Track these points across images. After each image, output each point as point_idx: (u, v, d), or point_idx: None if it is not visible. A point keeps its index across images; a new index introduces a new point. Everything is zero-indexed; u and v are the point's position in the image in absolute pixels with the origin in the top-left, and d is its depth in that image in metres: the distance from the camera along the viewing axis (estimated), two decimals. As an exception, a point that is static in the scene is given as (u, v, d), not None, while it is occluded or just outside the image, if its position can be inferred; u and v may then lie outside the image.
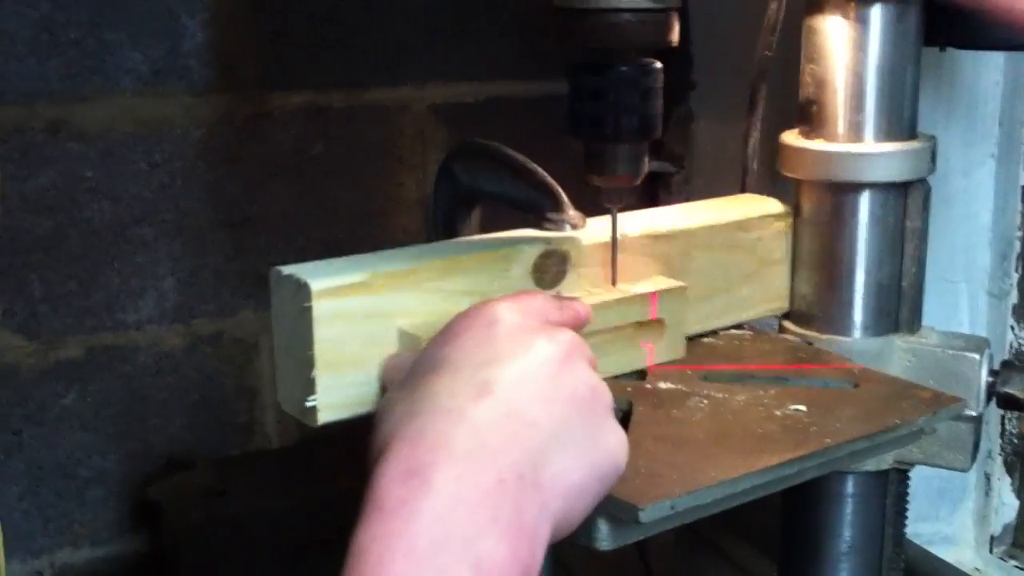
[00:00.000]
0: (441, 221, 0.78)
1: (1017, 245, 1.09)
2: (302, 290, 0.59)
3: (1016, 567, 1.11)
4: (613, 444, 0.53)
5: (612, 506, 0.54)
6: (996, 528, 1.13)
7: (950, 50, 0.86)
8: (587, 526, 0.55)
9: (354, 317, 0.60)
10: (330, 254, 0.64)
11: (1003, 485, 1.13)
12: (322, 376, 0.59)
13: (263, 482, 1.35)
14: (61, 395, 1.29)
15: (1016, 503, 1.13)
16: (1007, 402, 0.77)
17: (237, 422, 1.40)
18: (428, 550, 0.45)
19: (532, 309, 0.58)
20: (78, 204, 1.24)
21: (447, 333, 0.55)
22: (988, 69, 1.04)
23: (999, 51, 0.99)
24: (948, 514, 1.12)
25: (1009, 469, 1.12)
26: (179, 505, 1.28)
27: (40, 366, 1.27)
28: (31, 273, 1.24)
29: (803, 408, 0.66)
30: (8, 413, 1.26)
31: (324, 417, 0.59)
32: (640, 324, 0.71)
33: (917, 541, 1.08)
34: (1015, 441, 1.11)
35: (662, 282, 0.73)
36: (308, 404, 0.59)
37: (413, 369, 0.54)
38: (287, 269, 0.61)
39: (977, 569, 1.11)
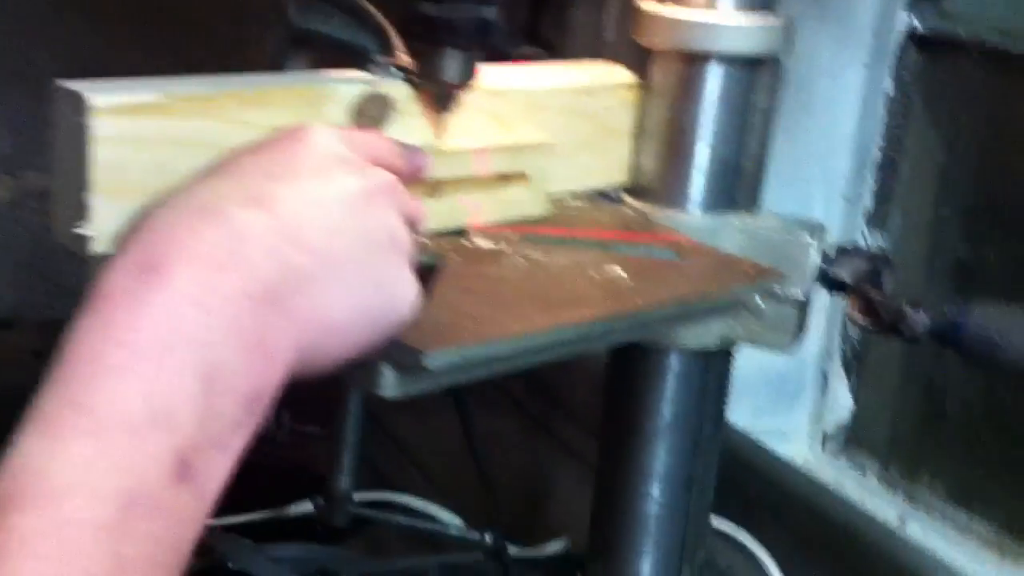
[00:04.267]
0: (269, 63, 0.74)
1: (877, 154, 1.10)
2: (81, 106, 0.54)
3: (846, 464, 1.13)
4: (400, 293, 0.50)
5: (397, 351, 0.51)
6: (829, 426, 1.15)
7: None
8: (370, 371, 0.52)
9: (142, 141, 0.55)
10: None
11: (840, 384, 1.15)
12: (99, 202, 0.54)
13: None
14: None
15: (851, 403, 1.15)
16: (834, 285, 0.76)
17: (64, 284, 1.34)
18: (153, 347, 0.41)
19: (359, 143, 0.54)
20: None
21: (248, 146, 0.51)
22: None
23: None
24: (784, 410, 1.14)
25: (847, 369, 1.14)
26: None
27: None
28: None
29: (623, 274, 0.64)
30: None
31: (98, 247, 0.55)
32: (503, 177, 0.68)
33: (752, 435, 1.10)
34: (854, 342, 1.13)
35: (528, 135, 0.69)
36: (81, 231, 0.55)
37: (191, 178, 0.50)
38: (70, 83, 0.56)
39: (808, 465, 1.13)
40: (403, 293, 0.50)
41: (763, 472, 1.08)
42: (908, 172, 1.08)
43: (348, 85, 0.64)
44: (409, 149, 0.59)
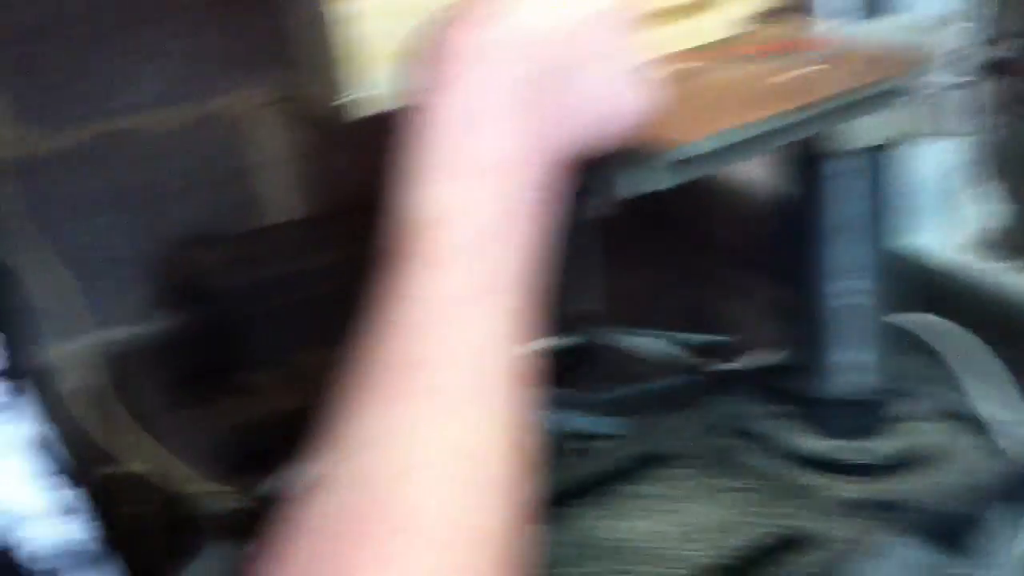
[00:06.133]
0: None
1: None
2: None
3: (999, 265, 1.16)
4: (634, 97, 0.58)
5: (632, 150, 0.59)
6: (977, 231, 1.17)
7: None
8: (607, 172, 0.60)
9: (384, 9, 0.64)
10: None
11: (986, 192, 1.17)
12: (359, 70, 0.63)
13: (289, 249, 1.40)
14: (74, 181, 1.32)
15: (998, 207, 1.17)
16: (994, 67, 0.81)
17: (246, 200, 1.43)
18: (477, 112, 0.53)
19: None
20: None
21: None
22: None
23: None
24: (931, 219, 1.17)
25: (992, 175, 1.16)
26: (216, 274, 1.33)
27: (54, 152, 1.30)
28: (33, 59, 1.25)
29: (798, 74, 0.70)
30: (33, 200, 1.29)
31: (361, 111, 0.64)
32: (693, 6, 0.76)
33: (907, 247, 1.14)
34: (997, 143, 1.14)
35: None
36: (348, 99, 0.63)
37: None
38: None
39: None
40: (635, 99, 0.59)
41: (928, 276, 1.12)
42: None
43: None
44: None
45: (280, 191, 1.48)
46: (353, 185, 1.45)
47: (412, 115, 0.54)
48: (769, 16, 0.85)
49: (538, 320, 0.54)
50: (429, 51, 0.56)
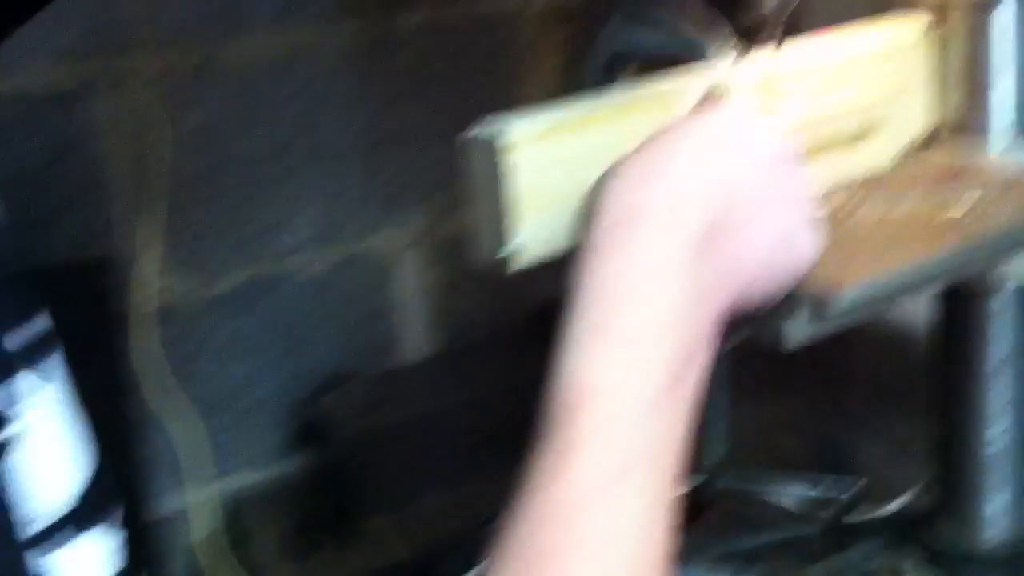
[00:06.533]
0: (591, 83, 0.82)
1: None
2: (495, 145, 0.64)
3: None
4: (799, 250, 0.58)
5: (804, 296, 0.58)
6: None
7: None
8: (778, 318, 0.60)
9: (543, 165, 0.65)
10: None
11: None
12: (519, 224, 0.64)
13: (419, 390, 1.41)
14: (222, 326, 1.37)
15: None
16: None
17: (384, 338, 1.46)
18: (645, 279, 0.52)
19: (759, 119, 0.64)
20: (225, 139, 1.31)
21: (668, 122, 0.61)
22: None
23: None
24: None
25: None
26: (342, 419, 1.35)
27: (204, 299, 1.35)
28: (190, 210, 1.31)
29: (962, 212, 0.69)
30: (176, 347, 1.33)
31: (519, 264, 0.64)
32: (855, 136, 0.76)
33: None
34: None
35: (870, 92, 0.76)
36: (505, 254, 0.64)
37: None
38: (474, 132, 0.66)
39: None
40: (803, 248, 0.58)
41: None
42: None
43: (696, 81, 0.71)
44: None
45: (418, 329, 1.50)
46: (489, 321, 1.47)
47: (575, 276, 0.53)
48: (933, 139, 0.84)
49: (680, 489, 0.52)
50: (595, 208, 0.55)
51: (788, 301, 0.59)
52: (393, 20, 1.36)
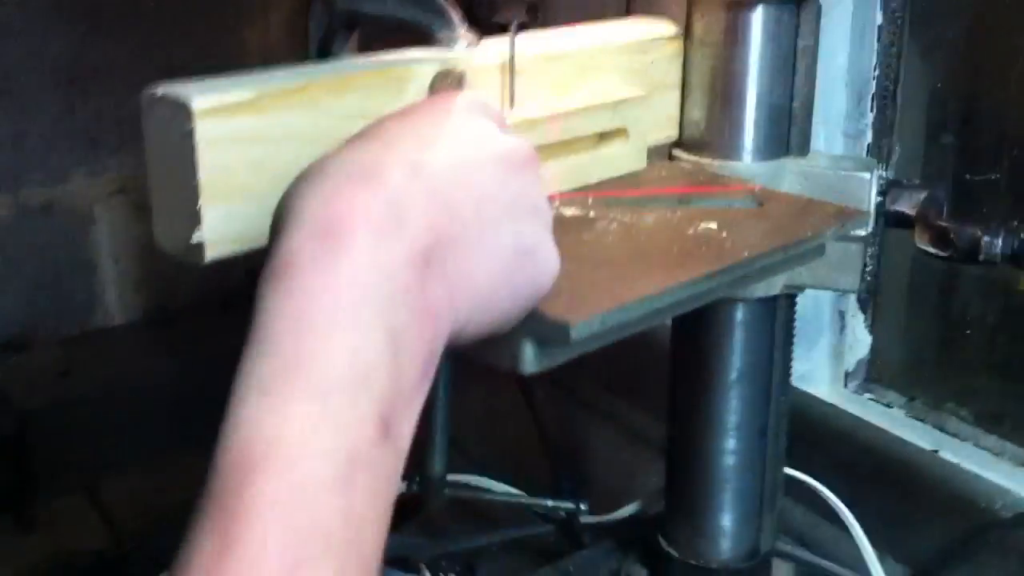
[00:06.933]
0: (316, 51, 0.72)
1: (872, 85, 1.10)
2: (183, 111, 0.52)
3: (870, 399, 1.15)
4: (542, 264, 0.50)
5: (538, 325, 0.51)
6: (850, 364, 1.17)
7: None
8: (510, 347, 0.52)
9: (241, 141, 0.54)
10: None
11: (857, 322, 1.16)
12: (209, 208, 0.53)
13: (109, 360, 1.29)
14: None
15: (869, 339, 1.16)
16: (897, 221, 0.77)
17: (75, 299, 1.33)
18: (350, 309, 0.42)
19: (493, 112, 0.54)
20: None
21: (394, 113, 0.51)
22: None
23: None
24: (805, 352, 1.15)
25: (862, 306, 1.16)
26: (26, 386, 1.21)
27: None
28: None
29: (713, 225, 0.64)
30: None
31: (211, 253, 0.54)
32: (601, 135, 0.69)
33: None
34: (868, 279, 1.14)
35: (623, 90, 0.69)
36: (194, 240, 0.53)
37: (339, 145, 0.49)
38: (161, 89, 0.54)
39: (832, 404, 1.15)
40: (545, 264, 0.50)
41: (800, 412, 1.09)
42: (903, 101, 1.08)
43: (425, 65, 0.63)
44: None
45: (119, 290, 1.36)
46: (199, 284, 1.35)
47: (260, 296, 0.43)
48: (682, 147, 0.79)
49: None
50: (292, 213, 0.44)
51: (525, 326, 0.51)
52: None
